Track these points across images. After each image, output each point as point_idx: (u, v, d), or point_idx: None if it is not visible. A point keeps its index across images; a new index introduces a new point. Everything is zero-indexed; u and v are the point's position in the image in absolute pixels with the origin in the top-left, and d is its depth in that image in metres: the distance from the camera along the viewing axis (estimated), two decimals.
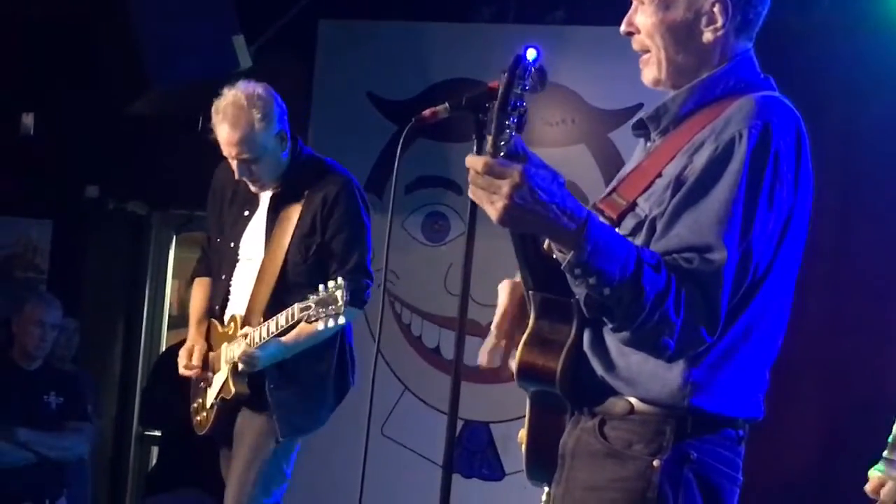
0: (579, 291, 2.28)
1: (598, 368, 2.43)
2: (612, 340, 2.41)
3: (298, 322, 4.22)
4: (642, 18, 2.51)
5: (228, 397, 4.43)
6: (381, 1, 6.87)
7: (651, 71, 2.54)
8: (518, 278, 2.53)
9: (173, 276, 7.90)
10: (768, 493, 5.33)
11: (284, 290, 4.39)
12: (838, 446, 5.53)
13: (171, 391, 4.81)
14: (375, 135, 6.64)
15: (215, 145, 4.45)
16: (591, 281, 2.22)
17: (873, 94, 6.05)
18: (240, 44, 5.75)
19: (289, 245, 4.39)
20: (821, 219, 5.41)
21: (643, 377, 2.38)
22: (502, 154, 2.20)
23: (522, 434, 2.60)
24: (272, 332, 4.27)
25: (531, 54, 2.28)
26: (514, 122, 2.21)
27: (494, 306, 2.65)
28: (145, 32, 5.55)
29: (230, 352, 4.40)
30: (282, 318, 4.24)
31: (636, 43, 2.55)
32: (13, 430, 5.95)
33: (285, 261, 4.39)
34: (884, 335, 5.46)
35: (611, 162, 6.18)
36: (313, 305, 4.13)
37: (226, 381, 4.43)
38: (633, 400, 2.40)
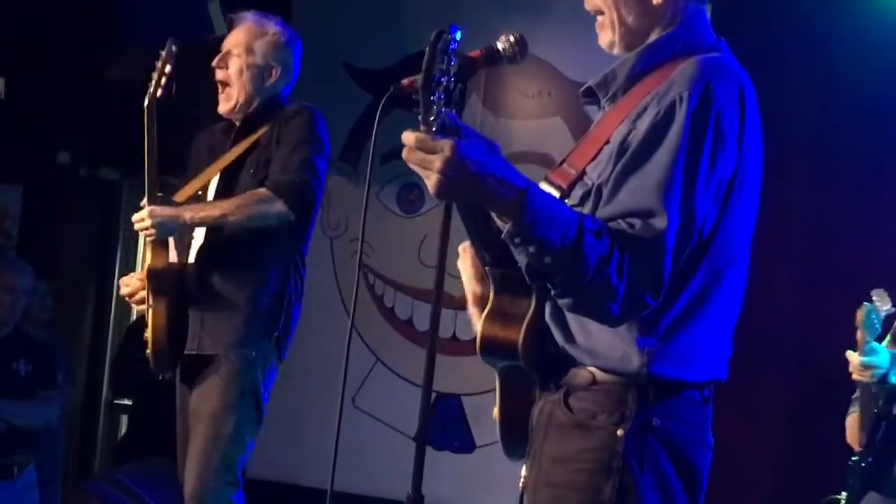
0: (521, 259, 2.28)
1: (560, 339, 2.43)
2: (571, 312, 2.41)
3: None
4: None
5: (145, 273, 4.31)
6: None
7: (606, 34, 2.53)
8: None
9: (145, 243, 7.85)
10: (740, 454, 5.35)
11: (219, 195, 4.35)
12: (810, 409, 5.55)
13: (142, 359, 4.75)
14: (351, 104, 6.61)
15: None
16: (532, 249, 2.22)
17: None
18: (215, 9, 5.71)
19: (241, 158, 4.35)
20: (800, 200, 5.46)
21: (602, 347, 2.38)
22: (434, 129, 2.19)
23: (496, 412, 2.61)
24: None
25: (450, 35, 2.25)
26: (440, 97, 2.19)
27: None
28: None
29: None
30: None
31: (588, 4, 2.54)
32: None
33: (233, 171, 4.34)
34: (854, 302, 5.48)
35: None
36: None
37: (147, 257, 4.35)
38: (594, 370, 2.40)
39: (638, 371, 2.36)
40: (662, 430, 2.38)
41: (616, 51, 2.53)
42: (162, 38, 4.57)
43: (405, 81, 2.45)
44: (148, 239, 4.33)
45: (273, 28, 4.51)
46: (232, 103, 4.44)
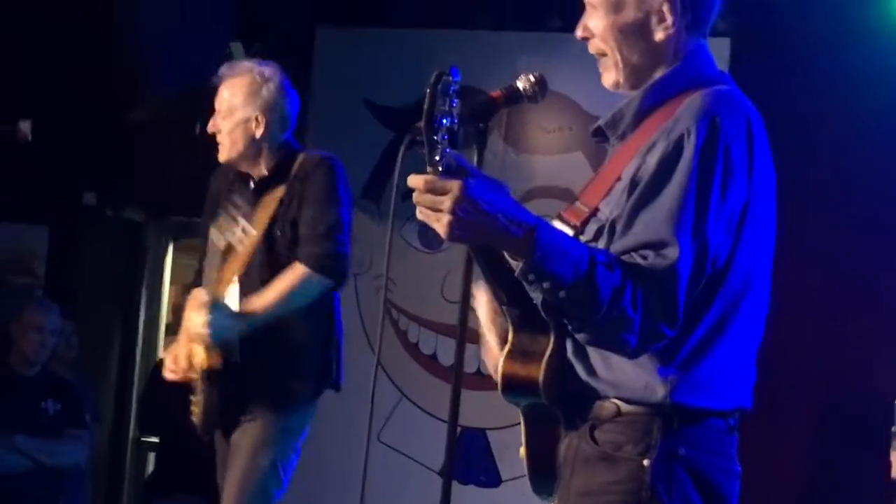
0: (536, 296, 2.31)
1: (582, 373, 2.44)
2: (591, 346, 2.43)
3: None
4: (594, 22, 2.54)
5: (199, 372, 4.35)
6: (379, 7, 6.88)
7: (610, 75, 2.56)
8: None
9: (170, 283, 7.90)
10: (768, 484, 5.34)
11: (258, 266, 4.35)
12: (834, 439, 5.54)
13: (169, 397, 4.78)
14: (372, 142, 6.65)
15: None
16: (546, 285, 2.25)
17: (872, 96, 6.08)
18: (237, 50, 5.76)
19: (267, 221, 4.35)
20: (818, 219, 5.47)
21: (625, 378, 2.40)
22: (440, 170, 2.22)
23: (523, 451, 2.62)
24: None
25: (450, 77, 2.27)
26: (443, 138, 2.22)
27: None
28: (144, 38, 5.56)
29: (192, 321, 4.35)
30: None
31: (592, 47, 2.57)
32: (11, 436, 5.95)
33: (264, 236, 4.34)
34: (877, 331, 5.48)
35: None
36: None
37: (203, 360, 4.37)
38: (618, 402, 2.42)
39: (662, 401, 2.38)
40: (688, 458, 2.39)
41: (621, 90, 2.57)
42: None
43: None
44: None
45: (250, 77, 4.46)
46: (226, 157, 4.48)
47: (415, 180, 2.23)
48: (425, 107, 2.24)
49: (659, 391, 2.38)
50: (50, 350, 6.23)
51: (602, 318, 2.25)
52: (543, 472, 2.57)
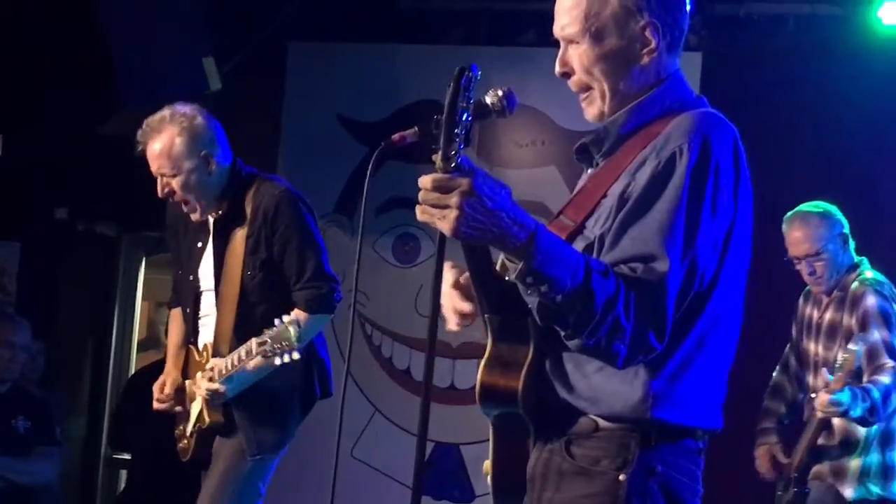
0: (531, 300, 2.31)
1: (561, 391, 2.45)
2: (570, 362, 2.43)
3: (258, 356, 4.22)
4: (576, 57, 2.54)
5: (204, 426, 4.44)
6: (352, 23, 6.89)
7: (595, 107, 2.56)
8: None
9: (143, 298, 7.88)
10: None
11: (247, 311, 4.38)
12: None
13: (143, 414, 4.79)
14: (346, 157, 6.66)
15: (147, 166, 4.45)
16: (543, 289, 2.25)
17: (841, 114, 6.13)
18: (210, 66, 5.75)
19: (241, 267, 4.38)
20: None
21: (605, 395, 2.41)
22: (453, 165, 2.21)
23: (487, 465, 2.61)
24: (235, 365, 4.28)
25: (471, 72, 2.27)
26: (463, 133, 2.22)
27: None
28: (117, 53, 5.54)
29: (199, 383, 4.41)
30: (243, 353, 4.25)
31: (573, 83, 2.57)
32: None
33: (241, 283, 4.38)
34: None
35: None
36: (269, 341, 4.15)
37: (201, 411, 4.44)
38: (597, 418, 2.43)
39: (642, 416, 2.39)
40: (663, 475, 2.41)
41: (604, 121, 2.56)
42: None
43: (395, 137, 2.48)
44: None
45: (178, 123, 4.37)
46: (198, 212, 4.45)
47: (423, 180, 2.21)
48: (448, 100, 2.24)
49: (639, 406, 2.38)
50: (20, 367, 6.18)
51: (596, 324, 2.26)
52: (509, 486, 2.57)
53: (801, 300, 5.18)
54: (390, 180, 6.26)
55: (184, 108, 4.41)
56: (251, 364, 4.27)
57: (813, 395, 4.83)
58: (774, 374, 5.32)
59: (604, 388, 2.40)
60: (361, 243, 2.86)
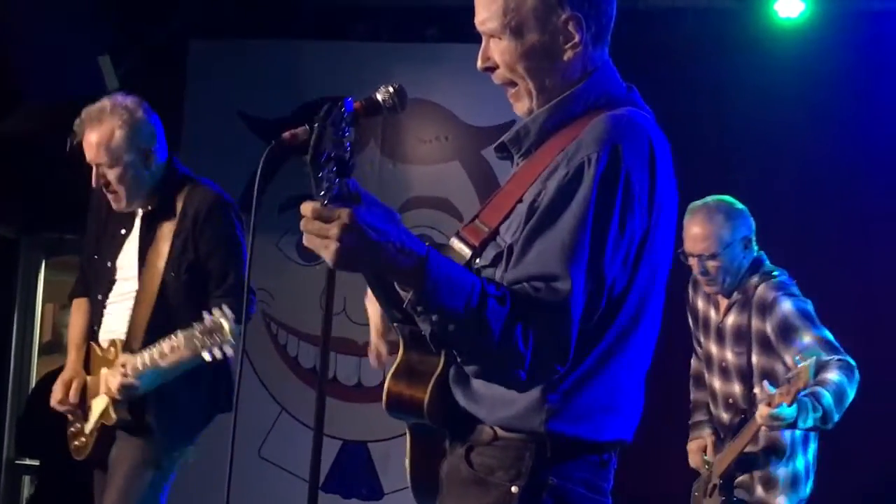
0: (425, 328, 2.23)
1: (461, 399, 2.43)
2: None
3: (186, 350, 4.15)
4: (498, 53, 2.46)
5: (109, 423, 4.37)
6: (253, 19, 6.84)
7: (523, 103, 2.49)
8: None
9: (47, 301, 7.76)
10: None
11: (164, 311, 4.33)
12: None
13: (50, 418, 4.71)
14: (248, 155, 6.59)
15: (82, 156, 4.38)
16: (434, 318, 2.19)
17: (742, 109, 6.22)
18: (106, 64, 5.68)
19: (164, 265, 4.33)
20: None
21: (502, 405, 2.37)
22: (325, 203, 2.12)
23: (408, 462, 2.61)
24: (154, 361, 4.21)
25: (344, 108, 2.19)
26: (332, 170, 2.13)
27: (368, 324, 2.66)
28: (13, 50, 5.46)
29: (109, 380, 4.33)
30: (165, 347, 4.17)
31: (497, 77, 2.50)
32: None
33: (162, 281, 4.33)
34: None
35: (484, 179, 6.22)
36: (199, 335, 4.08)
37: (106, 408, 4.37)
38: (495, 427, 2.40)
39: (537, 428, 2.35)
40: (558, 488, 2.37)
41: (534, 114, 2.49)
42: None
43: (286, 135, 2.42)
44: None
45: (119, 115, 4.33)
46: (123, 203, 4.40)
47: (304, 207, 2.14)
48: (311, 142, 2.16)
49: (535, 418, 2.35)
50: None
51: (493, 352, 2.20)
52: (426, 486, 2.56)
53: (690, 289, 5.00)
54: (294, 178, 6.23)
55: (125, 101, 4.36)
56: (173, 358, 4.20)
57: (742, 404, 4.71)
58: (693, 361, 5.16)
59: (502, 398, 2.36)
60: (254, 243, 2.82)
